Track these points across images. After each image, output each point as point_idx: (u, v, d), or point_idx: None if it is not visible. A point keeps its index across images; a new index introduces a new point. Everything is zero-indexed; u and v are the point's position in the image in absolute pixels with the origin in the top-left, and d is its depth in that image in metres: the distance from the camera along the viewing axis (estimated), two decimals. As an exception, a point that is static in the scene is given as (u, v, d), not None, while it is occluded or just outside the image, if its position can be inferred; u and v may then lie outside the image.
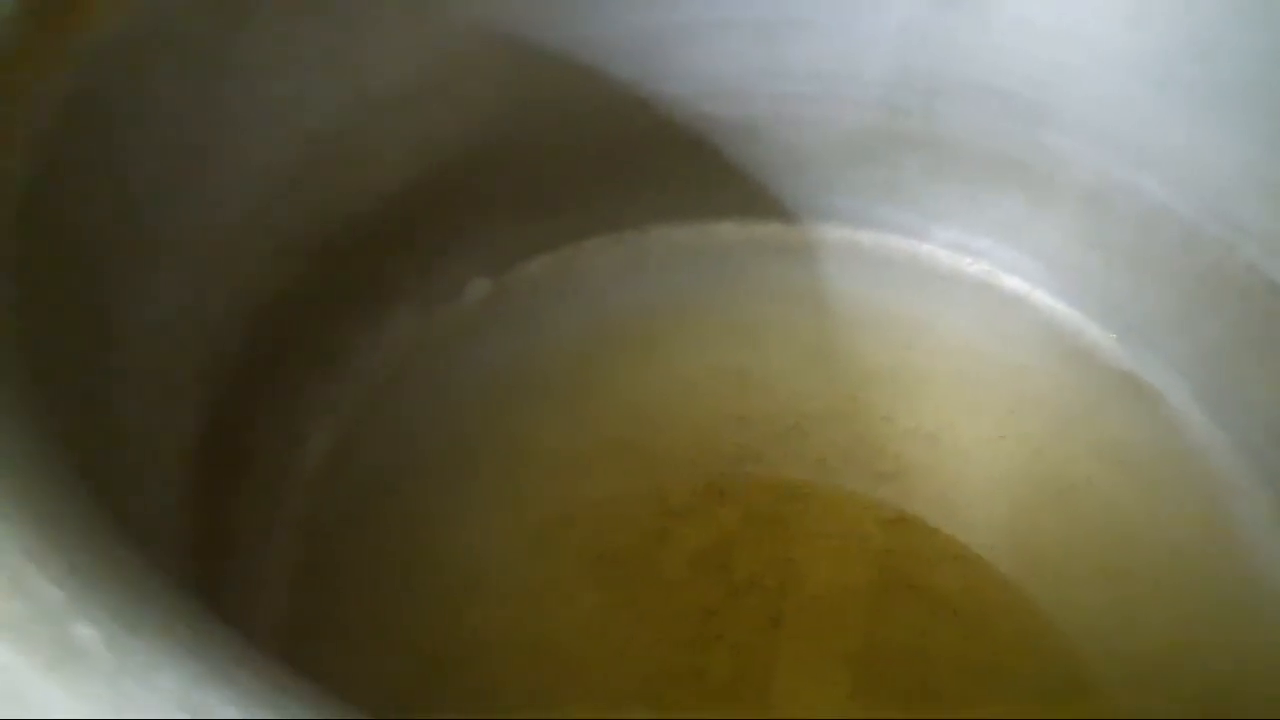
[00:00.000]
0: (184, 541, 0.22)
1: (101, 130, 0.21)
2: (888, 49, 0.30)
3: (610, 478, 0.30)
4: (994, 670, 0.26)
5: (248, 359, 0.27)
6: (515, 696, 0.26)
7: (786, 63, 0.32)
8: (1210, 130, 0.26)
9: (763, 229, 0.35)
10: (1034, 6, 0.28)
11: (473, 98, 0.30)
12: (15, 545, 0.11)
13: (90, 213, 0.21)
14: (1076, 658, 0.26)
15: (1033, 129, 0.30)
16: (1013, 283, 0.32)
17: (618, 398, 0.31)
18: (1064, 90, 0.28)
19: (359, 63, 0.27)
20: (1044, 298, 0.32)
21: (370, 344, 0.31)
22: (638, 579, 0.28)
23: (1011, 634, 0.27)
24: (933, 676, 0.26)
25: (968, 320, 0.32)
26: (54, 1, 0.19)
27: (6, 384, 0.14)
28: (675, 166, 0.34)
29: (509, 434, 0.30)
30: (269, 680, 0.10)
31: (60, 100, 0.20)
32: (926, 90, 0.31)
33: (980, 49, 0.29)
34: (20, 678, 0.10)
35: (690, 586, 0.28)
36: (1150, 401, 0.30)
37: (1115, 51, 0.27)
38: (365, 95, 0.27)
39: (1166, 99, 0.27)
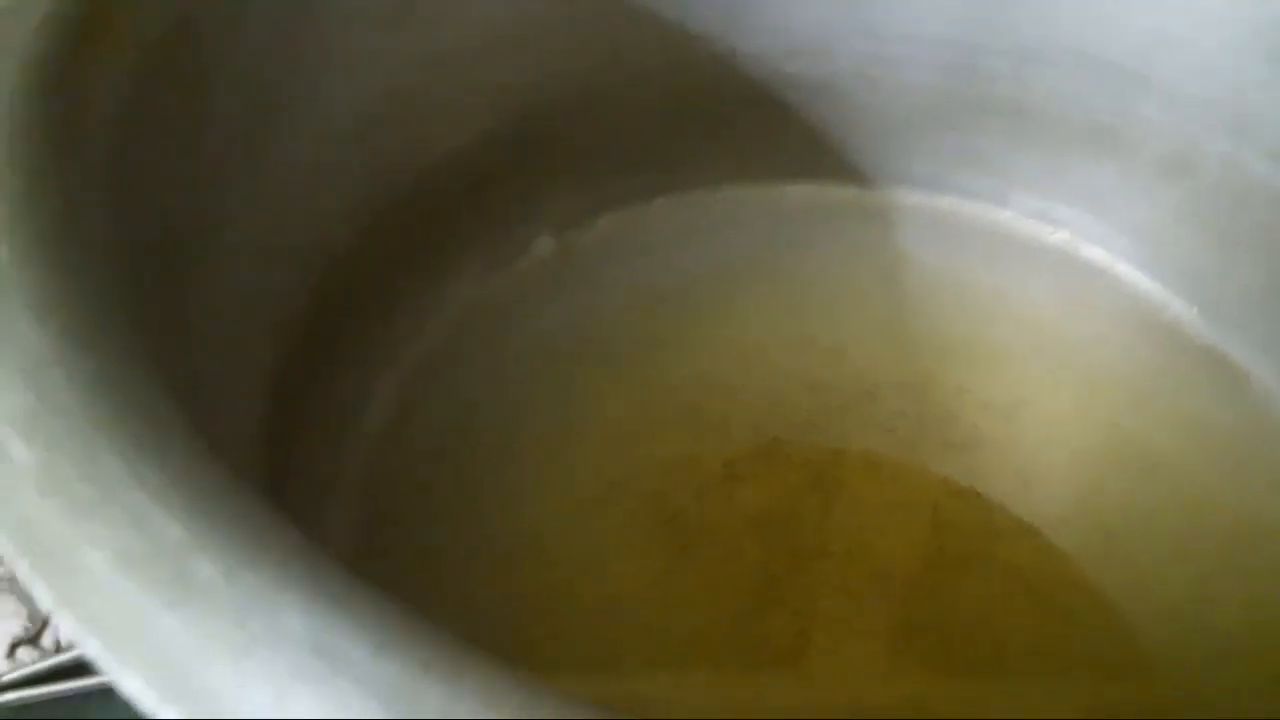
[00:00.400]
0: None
1: (191, 75, 0.21)
2: (978, 13, 0.30)
3: (675, 442, 0.30)
4: (1063, 646, 0.26)
5: (316, 312, 0.27)
6: (573, 658, 0.26)
7: (872, 23, 0.31)
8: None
9: (838, 192, 0.34)
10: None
11: (548, 51, 0.29)
12: (134, 482, 0.11)
13: (173, 158, 0.21)
14: (1149, 636, 0.25)
15: (1126, 97, 0.29)
16: (1095, 253, 0.31)
17: (683, 361, 0.31)
18: (1163, 59, 0.27)
19: (434, 14, 0.27)
20: (1127, 270, 0.31)
21: (435, 301, 0.31)
22: (701, 543, 0.28)
23: (1083, 610, 0.26)
24: (1001, 650, 0.26)
25: (1047, 291, 0.32)
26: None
27: (113, 331, 0.13)
28: (751, 125, 0.33)
29: (571, 396, 0.30)
30: (388, 616, 0.10)
31: (155, 41, 0.19)
32: (1016, 55, 0.30)
33: (1074, 14, 0.28)
34: (149, 616, 0.10)
35: (754, 552, 0.28)
36: (1234, 380, 0.29)
37: (1222, 20, 0.26)
38: (440, 48, 0.27)
39: (1273, 70, 0.26)
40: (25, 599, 0.33)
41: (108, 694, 0.33)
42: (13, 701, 0.32)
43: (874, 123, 0.33)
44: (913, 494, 0.29)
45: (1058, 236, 0.32)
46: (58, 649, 0.33)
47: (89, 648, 0.10)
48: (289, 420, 0.26)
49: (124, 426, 0.12)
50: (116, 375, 0.13)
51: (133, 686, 0.10)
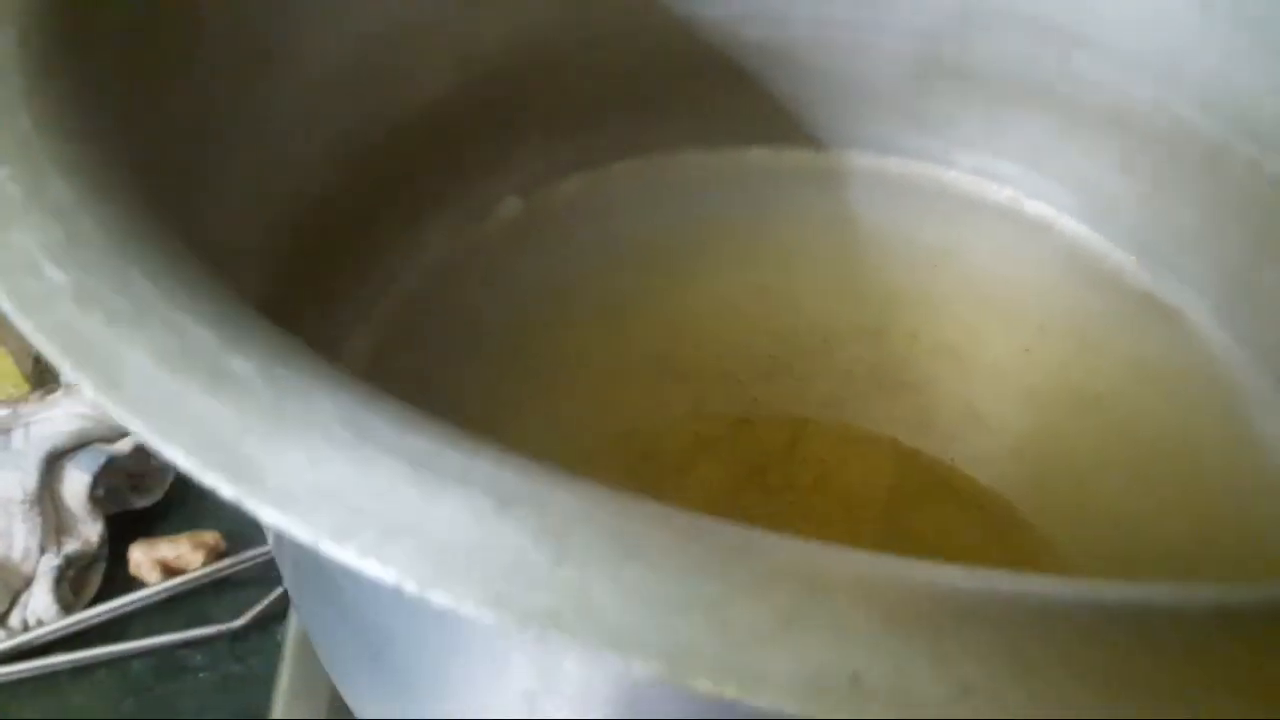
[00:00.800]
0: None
1: (192, 18, 0.22)
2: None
3: (647, 389, 0.31)
4: (1013, 566, 0.27)
5: (294, 256, 0.28)
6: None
7: (825, -13, 0.32)
8: (1244, 49, 0.27)
9: (793, 155, 0.36)
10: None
11: (516, 10, 0.30)
12: (165, 297, 0.12)
13: (174, 98, 0.22)
14: (1098, 549, 0.27)
15: (1064, 53, 0.31)
16: (1037, 207, 0.33)
17: (649, 313, 0.32)
18: (1098, 13, 0.29)
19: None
20: (1069, 222, 0.33)
21: (405, 254, 0.32)
22: (674, 480, 0.29)
23: (1033, 536, 0.28)
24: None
25: (993, 244, 0.33)
26: None
27: (130, 190, 0.14)
28: (709, 90, 0.34)
29: (540, 346, 0.31)
30: (409, 410, 0.11)
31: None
32: (959, 18, 0.32)
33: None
34: (187, 399, 0.11)
35: (724, 487, 0.29)
36: (1172, 319, 0.31)
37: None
38: (410, 4, 0.28)
39: (1205, 19, 0.28)
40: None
41: (78, 673, 0.33)
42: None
43: (827, 87, 0.34)
44: (872, 431, 0.30)
45: (1003, 193, 0.34)
46: (25, 628, 0.33)
47: (133, 426, 0.11)
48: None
49: (149, 257, 0.12)
50: (137, 221, 0.13)
51: (175, 456, 0.10)
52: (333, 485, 0.10)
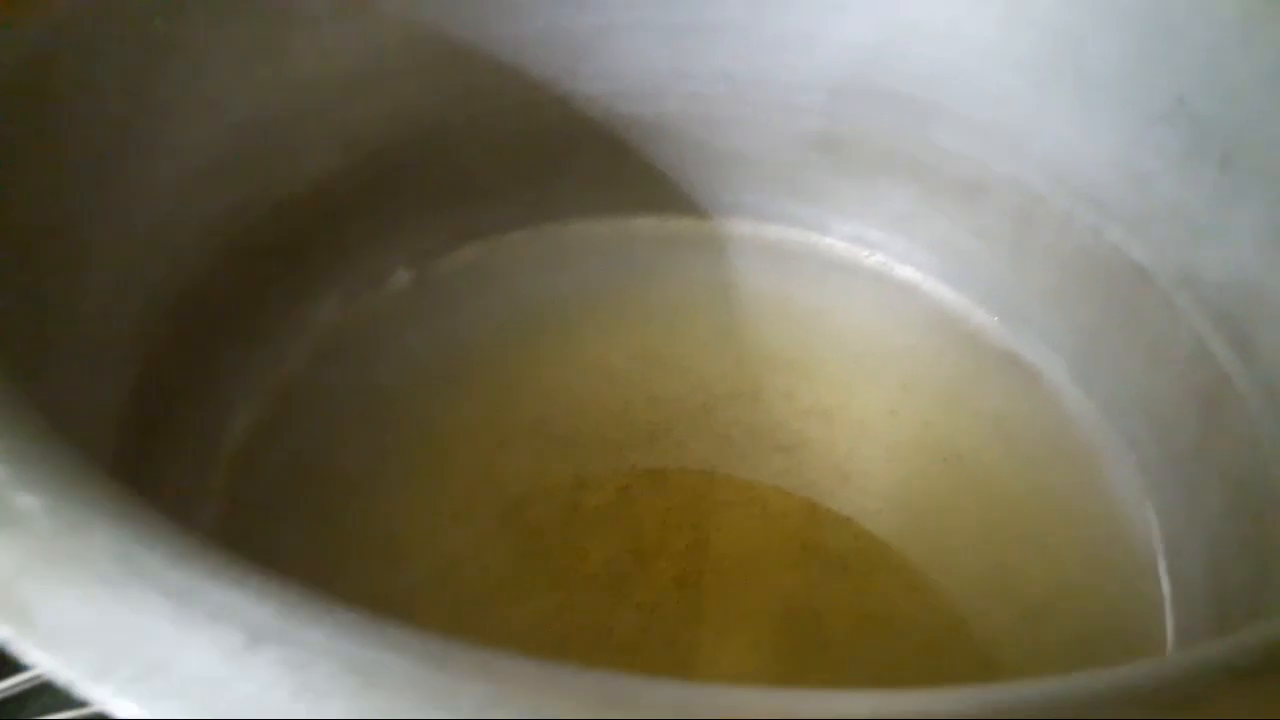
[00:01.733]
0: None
1: (44, 105, 0.22)
2: (790, 53, 0.33)
3: (527, 454, 0.31)
4: (881, 621, 0.28)
5: (174, 337, 0.29)
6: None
7: (696, 65, 0.34)
8: (1081, 124, 0.29)
9: (677, 223, 0.37)
10: (920, 9, 0.30)
11: (397, 92, 0.31)
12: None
13: (28, 189, 0.22)
14: (959, 607, 0.28)
15: (922, 126, 0.32)
16: (906, 272, 0.35)
17: (535, 380, 0.33)
18: (950, 88, 0.31)
19: (288, 54, 0.29)
20: (934, 285, 0.34)
21: (295, 328, 0.32)
22: (549, 547, 0.30)
23: (898, 588, 0.29)
24: (823, 627, 0.28)
25: (864, 307, 0.34)
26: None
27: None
28: (593, 163, 0.36)
29: (429, 415, 0.32)
30: (191, 542, 0.12)
31: (7, 71, 0.21)
32: (826, 90, 0.33)
33: (872, 50, 0.32)
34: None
35: (600, 553, 0.30)
36: (1029, 377, 0.32)
37: (993, 50, 0.29)
38: (293, 86, 0.29)
39: (1047, 95, 0.29)
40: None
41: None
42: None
43: (706, 159, 0.36)
44: (745, 494, 0.31)
45: (874, 259, 0.35)
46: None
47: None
48: (152, 438, 0.27)
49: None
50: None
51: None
52: (97, 624, 0.11)
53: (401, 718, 0.10)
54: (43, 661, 0.10)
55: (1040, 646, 0.27)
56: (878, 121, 0.33)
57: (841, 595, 0.28)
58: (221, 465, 0.30)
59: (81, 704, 0.33)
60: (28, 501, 0.12)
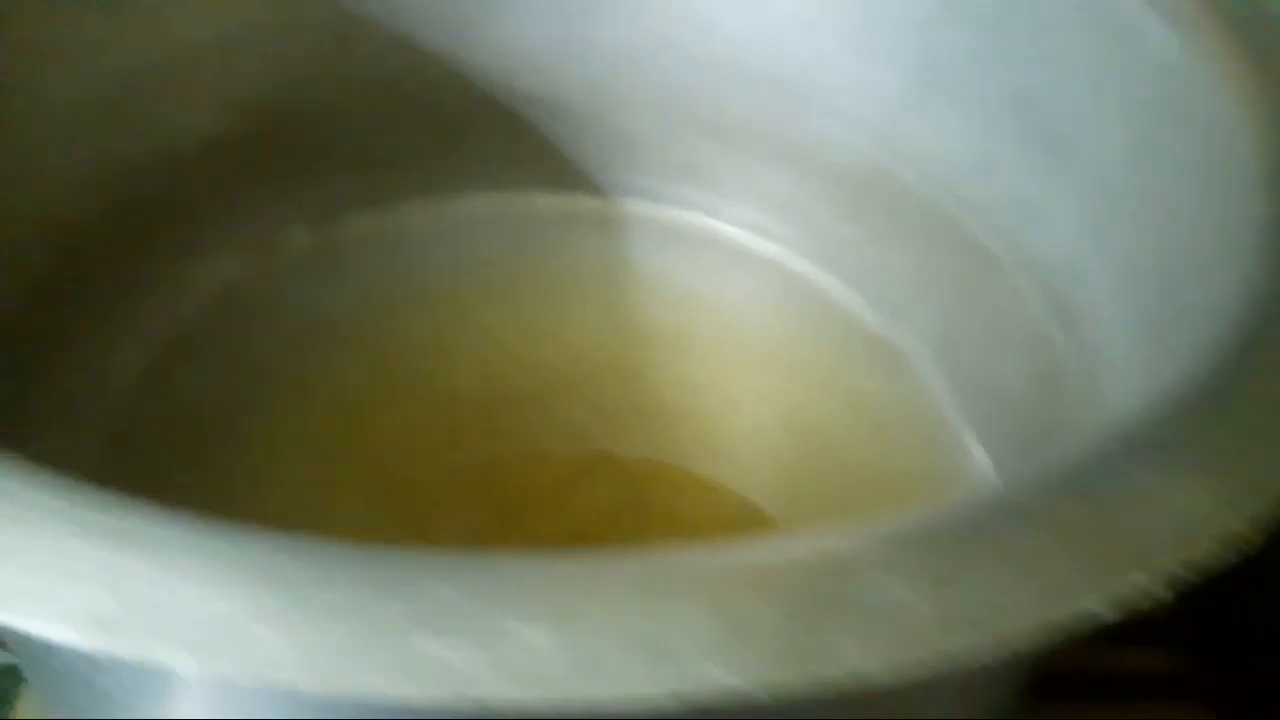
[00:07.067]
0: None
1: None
2: (674, 35, 0.34)
3: (403, 414, 0.32)
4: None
5: (56, 281, 0.29)
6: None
7: (592, 42, 0.35)
8: (937, 114, 0.30)
9: (573, 200, 0.38)
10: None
11: (286, 54, 0.32)
12: None
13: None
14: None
15: (799, 113, 0.33)
16: (786, 256, 0.35)
17: (417, 344, 0.34)
18: (816, 77, 0.32)
19: (171, 7, 0.29)
20: (811, 269, 0.35)
21: (182, 281, 0.33)
22: (415, 503, 0.30)
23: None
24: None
25: (745, 289, 0.35)
26: None
27: None
28: (490, 137, 0.36)
29: (309, 374, 0.32)
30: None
31: None
32: (711, 73, 0.34)
33: (754, 37, 0.33)
34: None
35: (464, 512, 0.30)
36: (895, 359, 0.33)
37: (858, 42, 0.31)
38: (175, 40, 0.29)
39: (902, 86, 0.30)
40: None
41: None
42: None
43: (601, 138, 0.36)
44: (611, 463, 0.32)
45: (757, 242, 0.36)
46: None
47: None
48: (33, 374, 0.28)
49: None
50: None
51: None
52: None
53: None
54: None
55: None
56: (760, 107, 0.34)
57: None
58: (102, 408, 0.30)
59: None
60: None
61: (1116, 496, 0.14)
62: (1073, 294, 0.25)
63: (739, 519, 0.30)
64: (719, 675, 0.11)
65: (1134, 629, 0.31)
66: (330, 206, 0.36)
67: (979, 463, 0.31)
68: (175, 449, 0.30)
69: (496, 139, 0.37)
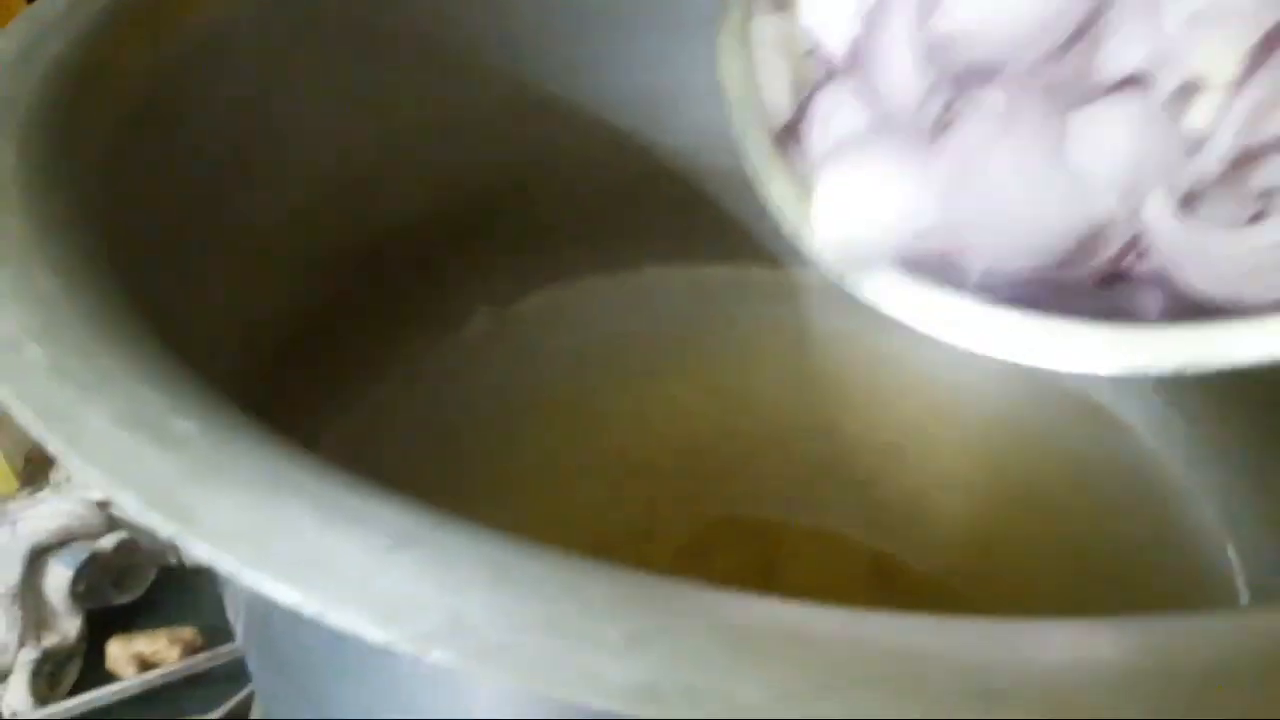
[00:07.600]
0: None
1: (168, 123, 0.24)
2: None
3: (602, 483, 0.32)
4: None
5: (269, 362, 0.30)
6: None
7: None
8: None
9: (749, 272, 0.38)
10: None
11: (490, 139, 0.33)
12: (125, 371, 0.14)
13: (151, 191, 0.24)
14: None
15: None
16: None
17: (610, 414, 0.34)
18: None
19: (388, 100, 0.31)
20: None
21: (380, 362, 0.34)
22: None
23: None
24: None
25: (937, 349, 0.35)
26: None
27: (105, 282, 0.16)
28: (668, 211, 0.37)
29: (506, 444, 0.33)
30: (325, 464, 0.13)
31: (140, 90, 0.23)
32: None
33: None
34: (138, 453, 0.12)
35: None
36: (1106, 421, 0.32)
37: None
38: (394, 129, 0.31)
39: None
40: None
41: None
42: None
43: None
44: (816, 528, 0.31)
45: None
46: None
47: (89, 476, 0.12)
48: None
49: (116, 337, 0.14)
50: (110, 310, 0.15)
51: (124, 500, 0.12)
52: (252, 524, 0.12)
53: (537, 607, 0.11)
54: (206, 553, 0.11)
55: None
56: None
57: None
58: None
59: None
60: (185, 425, 0.13)
61: None
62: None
63: (952, 592, 0.30)
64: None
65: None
66: (513, 285, 0.36)
67: (1204, 522, 0.30)
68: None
69: (673, 213, 0.37)
